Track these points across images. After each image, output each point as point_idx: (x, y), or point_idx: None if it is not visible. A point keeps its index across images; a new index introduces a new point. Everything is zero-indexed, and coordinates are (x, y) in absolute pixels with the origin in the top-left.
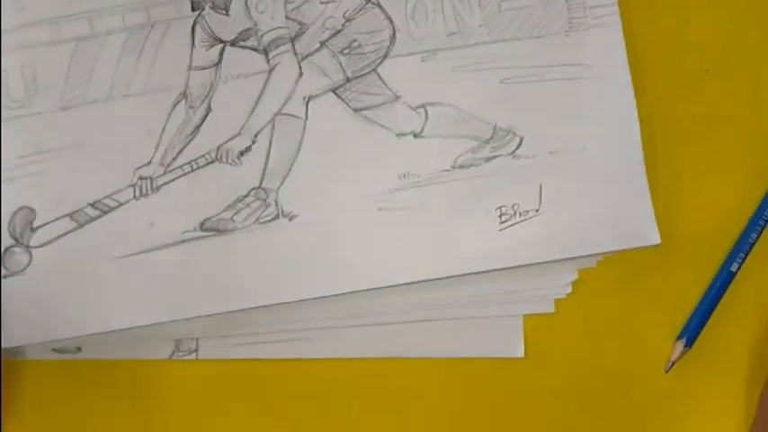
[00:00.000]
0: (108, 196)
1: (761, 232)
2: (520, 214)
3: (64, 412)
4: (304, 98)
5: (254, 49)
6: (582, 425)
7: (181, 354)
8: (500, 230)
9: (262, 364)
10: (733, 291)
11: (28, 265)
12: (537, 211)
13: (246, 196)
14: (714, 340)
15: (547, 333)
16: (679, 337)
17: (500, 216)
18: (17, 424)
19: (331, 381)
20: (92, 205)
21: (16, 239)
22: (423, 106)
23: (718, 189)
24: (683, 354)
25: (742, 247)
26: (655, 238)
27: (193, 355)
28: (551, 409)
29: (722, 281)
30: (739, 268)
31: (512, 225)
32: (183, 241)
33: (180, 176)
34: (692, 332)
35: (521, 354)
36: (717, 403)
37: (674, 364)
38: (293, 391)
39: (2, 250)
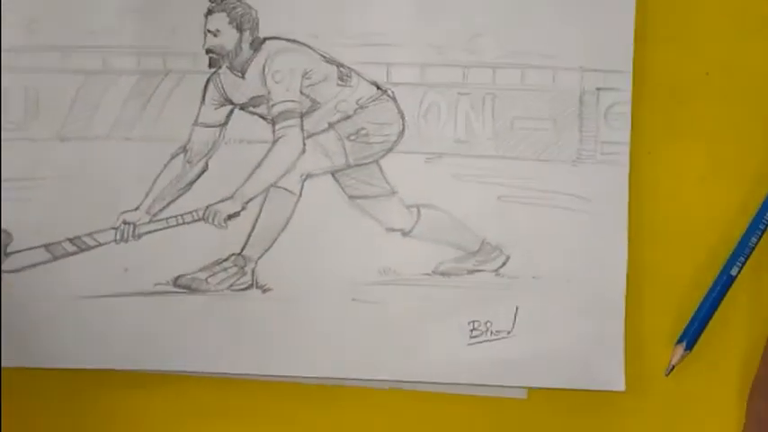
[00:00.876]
0: (88, 234)
1: (761, 236)
2: (492, 333)
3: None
4: (302, 175)
5: (263, 117)
6: (583, 427)
7: None
8: (468, 345)
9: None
10: (733, 294)
11: None
12: (509, 333)
13: (225, 260)
14: (714, 344)
15: None
16: (679, 341)
17: (471, 330)
18: None
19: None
20: (70, 240)
21: None
22: (417, 206)
23: (718, 193)
24: (683, 357)
25: (742, 251)
26: (619, 385)
27: None
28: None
29: (722, 285)
30: (739, 272)
31: (481, 342)
32: (154, 293)
33: (163, 228)
34: (692, 336)
35: None
36: (717, 407)
37: (674, 367)
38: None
39: None
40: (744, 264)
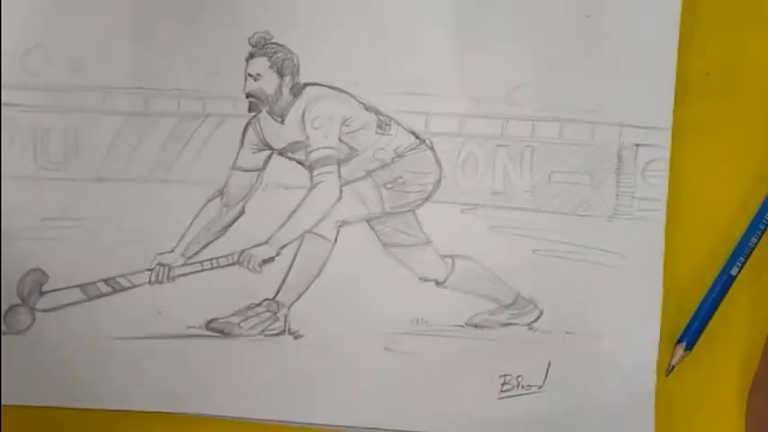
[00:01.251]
0: (123, 275)
1: (761, 236)
2: (522, 387)
3: None
4: (337, 222)
5: (301, 163)
6: None
7: None
8: (499, 399)
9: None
10: (733, 294)
11: (29, 327)
12: (540, 388)
13: (258, 305)
14: (714, 344)
15: None
16: (679, 341)
17: (503, 384)
18: None
19: None
20: (105, 281)
21: (23, 299)
22: (451, 257)
23: (718, 193)
24: (683, 357)
25: (742, 251)
26: None
27: None
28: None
29: (722, 284)
30: (739, 272)
31: (512, 396)
32: (187, 336)
33: (198, 271)
34: (692, 336)
35: None
36: (717, 406)
37: (674, 367)
38: None
39: (5, 307)
40: (744, 264)
